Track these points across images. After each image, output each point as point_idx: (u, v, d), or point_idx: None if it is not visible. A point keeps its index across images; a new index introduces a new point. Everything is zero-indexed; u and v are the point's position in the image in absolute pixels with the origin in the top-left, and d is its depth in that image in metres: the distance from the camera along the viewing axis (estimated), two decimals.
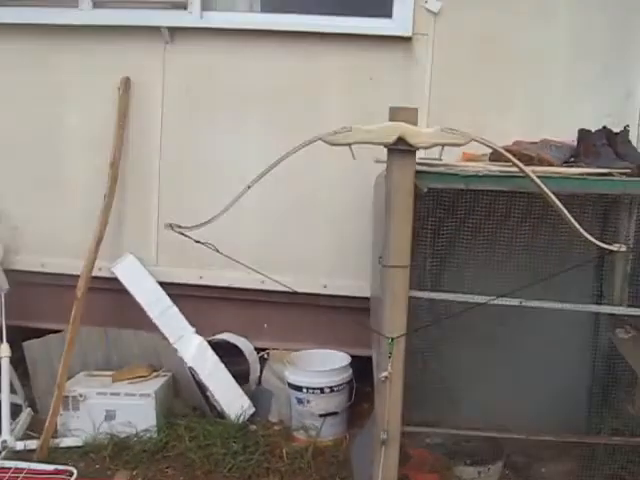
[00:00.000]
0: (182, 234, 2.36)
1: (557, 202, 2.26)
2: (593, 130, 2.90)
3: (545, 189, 2.26)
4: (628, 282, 3.22)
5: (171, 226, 2.35)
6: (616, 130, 2.92)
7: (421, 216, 2.73)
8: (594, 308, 3.11)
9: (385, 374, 2.38)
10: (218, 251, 2.39)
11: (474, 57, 3.66)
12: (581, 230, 2.29)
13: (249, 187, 2.33)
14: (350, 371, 3.63)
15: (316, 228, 3.84)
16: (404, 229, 2.37)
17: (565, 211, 2.27)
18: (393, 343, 2.37)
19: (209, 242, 2.39)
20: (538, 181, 2.26)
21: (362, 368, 3.49)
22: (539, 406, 3.16)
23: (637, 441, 2.85)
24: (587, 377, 3.33)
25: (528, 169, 2.29)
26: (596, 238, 3.09)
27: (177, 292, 3.81)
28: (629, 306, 3.29)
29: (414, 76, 3.70)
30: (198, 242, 2.37)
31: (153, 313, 3.69)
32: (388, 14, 3.68)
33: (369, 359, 3.14)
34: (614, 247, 2.36)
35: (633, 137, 3.19)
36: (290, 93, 3.79)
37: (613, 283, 3.24)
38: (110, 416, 3.48)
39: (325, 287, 3.81)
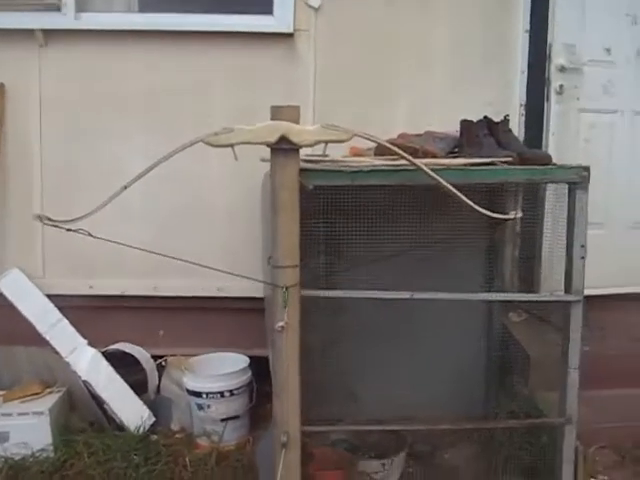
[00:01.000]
0: (55, 226, 2.30)
1: (447, 185, 2.31)
2: (475, 120, 2.93)
3: (432, 174, 2.30)
4: (517, 266, 3.35)
5: (40, 218, 2.29)
6: (497, 120, 2.96)
7: (310, 213, 2.70)
8: (484, 297, 3.18)
9: (281, 323, 2.35)
10: (91, 235, 2.30)
11: (357, 51, 3.69)
12: (475, 207, 2.33)
13: (125, 187, 2.28)
14: (249, 373, 3.58)
15: (206, 229, 3.79)
16: (291, 228, 2.34)
17: (458, 193, 2.31)
18: (287, 292, 2.34)
19: (82, 229, 2.29)
20: (425, 168, 2.29)
21: (262, 369, 3.36)
22: (438, 394, 3.23)
23: (531, 422, 2.90)
24: (483, 362, 3.43)
25: (416, 161, 2.31)
26: (485, 226, 3.23)
27: (67, 304, 3.67)
28: (519, 291, 3.44)
29: (298, 73, 3.70)
30: (70, 230, 2.29)
31: (42, 327, 3.53)
32: (269, 11, 3.66)
33: (267, 359, 3.08)
34: (511, 215, 2.43)
35: (514, 126, 3.28)
36: (173, 94, 3.72)
37: (503, 268, 3.33)
38: (3, 438, 3.32)
39: (219, 290, 3.77)
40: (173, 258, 2.56)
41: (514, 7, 3.69)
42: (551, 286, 3.38)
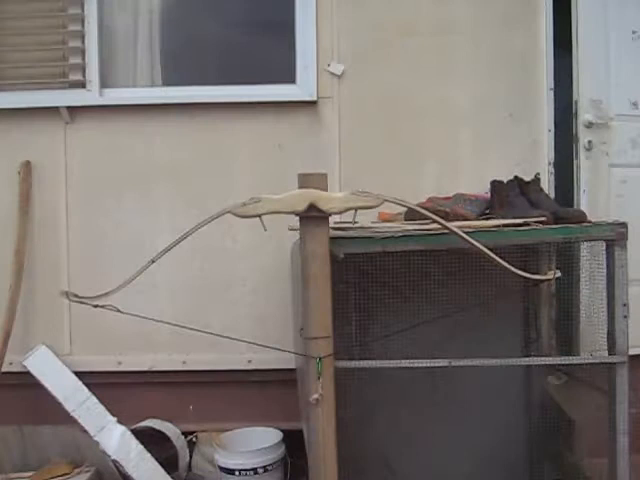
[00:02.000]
0: (81, 302, 2.29)
1: (481, 247, 2.26)
2: (505, 181, 2.89)
3: (464, 236, 2.25)
4: (554, 327, 3.25)
5: (66, 294, 2.29)
6: (527, 179, 2.92)
7: (341, 281, 2.65)
8: (522, 361, 3.10)
9: (316, 396, 2.29)
10: (120, 311, 2.28)
11: (381, 117, 3.67)
12: (510, 267, 2.29)
13: (153, 261, 2.27)
14: (283, 447, 3.49)
15: (235, 301, 3.73)
16: (323, 298, 2.31)
17: (492, 254, 2.27)
18: (321, 362, 2.28)
19: (110, 304, 2.28)
20: (457, 230, 2.25)
21: (296, 443, 3.34)
22: (478, 463, 3.12)
23: None
24: (524, 428, 3.29)
25: (448, 224, 2.27)
26: (519, 289, 3.15)
27: (95, 381, 3.61)
28: (558, 353, 3.33)
29: (322, 140, 3.68)
30: (97, 306, 2.28)
31: (70, 406, 3.46)
32: (292, 80, 3.67)
33: (301, 432, 3.04)
34: (549, 275, 2.36)
35: (543, 185, 3.21)
36: (197, 166, 3.71)
37: (539, 330, 3.25)
38: None
39: (250, 362, 3.69)
40: (202, 332, 2.50)
41: (537, 66, 3.65)
42: (590, 347, 3.24)
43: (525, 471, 3.30)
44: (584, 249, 2.90)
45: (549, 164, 3.65)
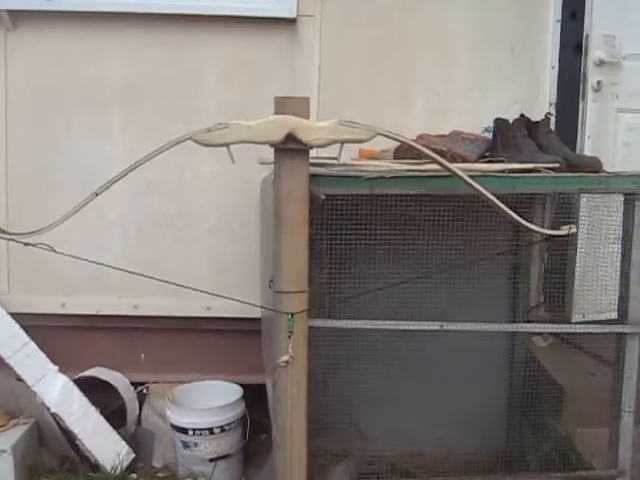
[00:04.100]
0: (11, 239, 2.04)
1: (487, 193, 2.00)
2: (508, 119, 2.59)
3: (471, 182, 1.99)
4: (543, 284, 3.04)
5: None
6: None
7: (318, 226, 2.35)
8: (513, 327, 2.96)
9: (286, 357, 2.05)
10: (55, 251, 2.01)
11: (368, 41, 3.40)
12: (521, 220, 2.05)
13: (97, 194, 2.01)
14: (243, 405, 3.27)
15: (195, 241, 3.49)
16: (299, 247, 2.02)
17: (499, 203, 2.01)
18: (292, 319, 2.03)
19: (42, 243, 2.00)
20: (463, 175, 2.00)
21: (256, 397, 3.20)
22: (455, 430, 2.93)
23: (579, 475, 2.53)
24: (504, 391, 3.14)
25: (452, 166, 1.99)
26: (510, 241, 2.91)
27: (35, 323, 3.33)
28: (548, 312, 3.14)
29: (300, 64, 3.40)
30: (28, 244, 2.01)
31: (6, 352, 3.19)
32: None
33: (263, 387, 2.93)
34: (563, 230, 2.10)
35: None
36: (158, 87, 3.41)
37: (529, 287, 3.05)
38: None
39: (209, 309, 3.45)
40: (155, 279, 2.24)
41: None
42: (582, 308, 3.07)
43: (503, 437, 3.14)
44: (583, 201, 2.67)
45: (551, 105, 3.43)
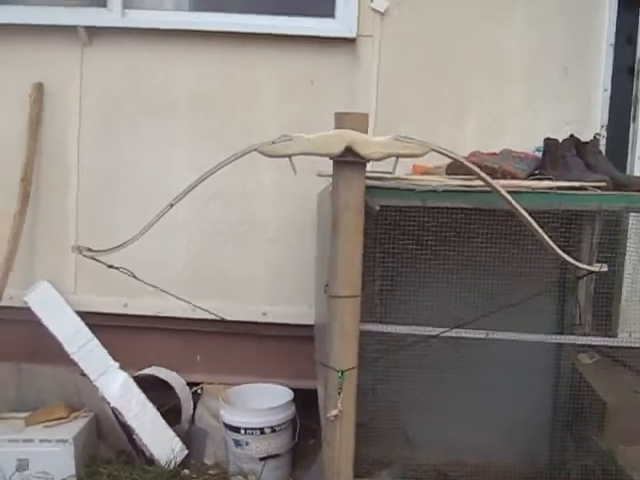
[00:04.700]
0: (93, 258, 2.13)
1: (530, 219, 2.03)
2: (559, 140, 2.64)
3: (516, 205, 2.02)
4: (592, 302, 3.03)
5: (79, 249, 2.12)
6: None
7: (371, 237, 2.44)
8: (560, 339, 2.92)
9: (335, 412, 2.11)
10: (135, 277, 2.19)
11: (424, 61, 3.44)
12: (558, 250, 2.07)
13: (171, 205, 2.10)
14: (293, 407, 3.32)
15: (253, 249, 3.56)
16: (354, 254, 2.09)
17: (539, 229, 2.04)
18: (343, 377, 2.10)
19: (124, 267, 2.17)
20: (508, 197, 2.01)
21: (307, 402, 3.22)
22: (499, 440, 2.98)
23: None
24: (549, 406, 3.14)
25: (496, 183, 2.02)
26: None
27: (99, 322, 3.46)
28: (594, 329, 3.14)
29: (359, 81, 3.45)
30: (111, 267, 2.16)
31: (71, 347, 3.32)
32: (331, 14, 3.43)
33: (314, 392, 2.93)
34: (595, 267, 2.13)
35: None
36: (223, 99, 3.50)
37: (576, 304, 3.04)
38: (22, 466, 3.09)
39: (264, 315, 3.53)
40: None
41: (599, 18, 3.39)
42: (630, 326, 3.06)
43: (546, 451, 3.14)
44: (633, 220, 2.68)
45: (602, 126, 3.42)
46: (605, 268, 2.14)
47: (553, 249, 2.07)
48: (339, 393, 2.09)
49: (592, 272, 2.15)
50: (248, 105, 3.50)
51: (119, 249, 2.08)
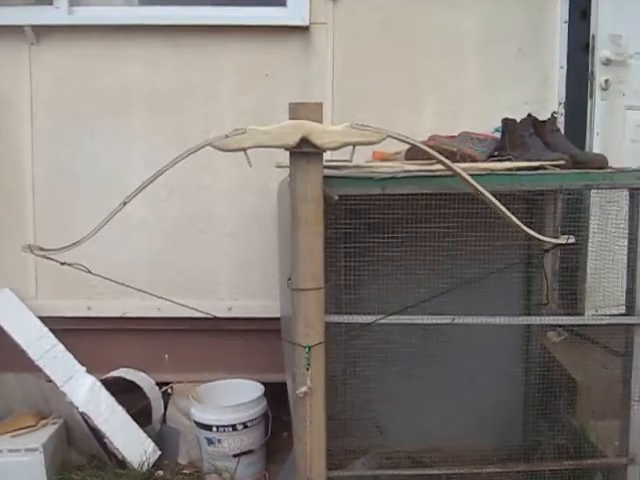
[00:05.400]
0: (46, 257, 2.09)
1: (493, 199, 2.04)
2: (518, 119, 2.64)
3: (477, 186, 2.02)
4: (557, 280, 3.06)
5: (30, 248, 2.07)
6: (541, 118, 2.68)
7: (333, 227, 2.40)
8: (527, 320, 2.97)
9: (304, 389, 2.09)
10: (90, 272, 2.13)
11: (379, 46, 3.44)
12: (524, 228, 2.09)
13: (125, 203, 2.06)
14: (264, 402, 3.30)
15: (214, 244, 3.54)
16: (315, 246, 2.07)
17: (503, 208, 2.05)
18: (310, 352, 2.08)
19: (77, 263, 2.11)
20: (468, 178, 2.01)
21: (278, 396, 3.24)
22: (472, 424, 2.96)
23: (591, 464, 2.58)
24: (520, 386, 3.14)
25: (456, 166, 2.02)
26: (523, 237, 2.94)
27: (63, 327, 3.41)
28: (561, 308, 3.15)
29: (314, 70, 3.45)
30: (64, 264, 2.09)
31: (35, 354, 3.27)
32: (282, 2, 3.41)
33: (285, 385, 2.96)
34: (562, 239, 2.14)
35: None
36: (176, 95, 3.47)
37: (542, 282, 3.03)
38: None
39: (230, 310, 3.52)
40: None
41: None
42: (595, 302, 3.08)
43: (519, 431, 3.15)
44: (594, 196, 2.69)
45: (560, 104, 3.45)
46: (572, 239, 2.14)
47: (520, 227, 2.08)
48: (307, 369, 2.08)
49: (560, 245, 2.14)
50: (203, 98, 3.47)
51: (72, 248, 2.04)
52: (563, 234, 2.82)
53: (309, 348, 2.08)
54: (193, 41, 3.41)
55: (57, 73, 3.45)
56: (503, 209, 2.05)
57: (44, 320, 3.40)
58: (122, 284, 2.28)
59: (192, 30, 3.37)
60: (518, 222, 2.07)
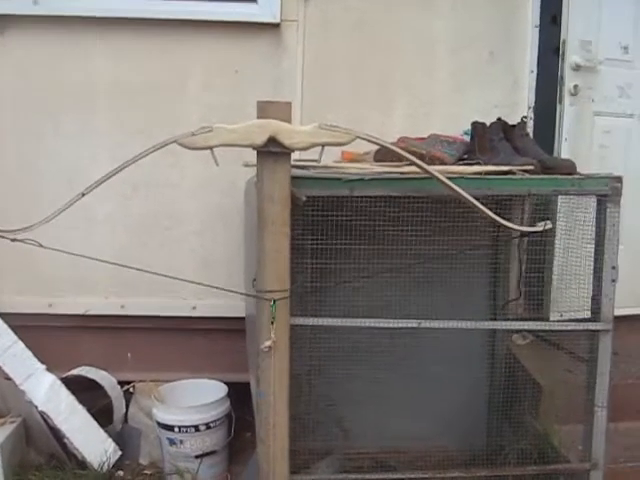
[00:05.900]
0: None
1: (467, 195, 2.06)
2: (487, 123, 2.63)
3: (450, 184, 2.04)
4: (524, 284, 3.04)
5: None
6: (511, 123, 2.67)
7: (300, 228, 2.38)
8: (493, 325, 3.00)
9: (268, 343, 2.07)
10: (42, 245, 2.06)
11: (351, 45, 3.42)
12: (501, 220, 2.13)
13: (83, 194, 2.02)
14: (228, 402, 3.27)
15: (179, 242, 3.50)
16: (281, 247, 2.05)
17: (477, 203, 2.06)
18: (275, 306, 2.06)
19: (29, 239, 2.04)
20: (441, 176, 2.04)
21: (241, 396, 3.19)
22: (437, 426, 2.97)
23: (555, 469, 2.58)
24: (485, 389, 3.16)
25: (430, 168, 2.03)
26: (490, 241, 2.95)
27: (22, 323, 3.31)
28: (527, 311, 3.17)
29: (284, 68, 3.41)
30: (15, 240, 2.04)
31: None
32: None
33: (248, 385, 2.92)
34: (539, 227, 2.19)
35: None
36: (143, 90, 3.40)
37: (508, 287, 3.07)
38: None
39: (194, 309, 3.49)
40: (143, 271, 2.24)
41: (523, 0, 3.42)
42: (560, 307, 3.10)
43: (483, 434, 3.16)
44: (561, 202, 2.69)
45: (529, 108, 3.47)
46: (550, 225, 2.18)
47: (496, 220, 2.11)
48: (272, 323, 2.05)
49: (538, 231, 2.20)
50: (171, 94, 3.41)
51: (24, 230, 2.00)
52: (530, 239, 2.89)
53: (274, 301, 2.05)
54: (161, 36, 3.34)
55: (22, 65, 3.37)
56: (479, 205, 2.06)
57: (3, 317, 3.29)
58: (80, 255, 2.23)
59: (160, 24, 3.31)
60: (495, 216, 2.10)
